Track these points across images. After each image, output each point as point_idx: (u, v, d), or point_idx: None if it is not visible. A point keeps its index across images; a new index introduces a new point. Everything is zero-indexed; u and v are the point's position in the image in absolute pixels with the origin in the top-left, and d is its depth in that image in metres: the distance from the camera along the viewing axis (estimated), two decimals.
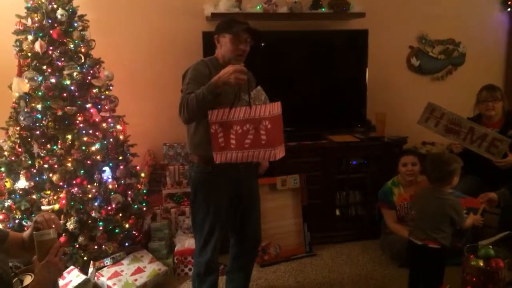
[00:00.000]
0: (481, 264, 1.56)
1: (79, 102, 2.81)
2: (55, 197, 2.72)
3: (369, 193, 3.52)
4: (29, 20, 2.79)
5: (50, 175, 2.71)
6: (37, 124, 2.73)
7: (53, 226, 1.57)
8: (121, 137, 3.05)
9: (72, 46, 2.83)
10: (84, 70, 2.85)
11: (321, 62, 3.59)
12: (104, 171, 2.84)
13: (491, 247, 1.63)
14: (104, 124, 2.91)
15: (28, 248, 1.63)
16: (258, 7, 3.48)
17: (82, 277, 2.55)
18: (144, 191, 3.20)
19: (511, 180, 2.87)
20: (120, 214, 2.90)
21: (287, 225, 3.28)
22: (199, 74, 2.15)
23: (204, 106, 2.02)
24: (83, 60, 2.86)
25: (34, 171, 2.72)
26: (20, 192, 2.71)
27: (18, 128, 2.74)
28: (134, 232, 2.99)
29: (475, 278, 1.56)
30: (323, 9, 3.57)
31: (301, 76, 3.62)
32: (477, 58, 4.04)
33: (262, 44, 3.48)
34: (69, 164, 2.72)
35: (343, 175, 3.53)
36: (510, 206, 2.85)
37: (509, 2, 3.99)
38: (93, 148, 2.79)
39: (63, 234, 2.65)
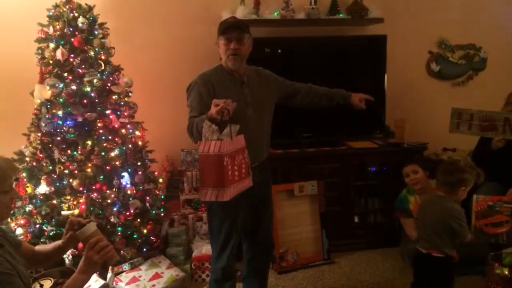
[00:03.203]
0: (506, 272, 1.51)
1: (99, 109, 2.85)
2: (75, 202, 2.76)
3: (388, 200, 3.46)
4: (51, 28, 2.86)
5: (70, 180, 2.74)
6: (58, 130, 2.78)
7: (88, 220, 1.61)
8: (139, 143, 3.08)
9: (92, 53, 2.88)
10: (104, 77, 2.90)
11: (340, 67, 3.57)
12: (123, 176, 2.86)
13: None
14: (123, 130, 2.94)
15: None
16: (275, 14, 3.48)
17: (101, 282, 2.57)
18: (162, 197, 3.21)
19: None
20: (138, 220, 2.92)
21: (305, 231, 3.26)
22: (198, 96, 2.14)
23: None
24: (103, 67, 2.91)
25: (55, 176, 2.76)
26: (41, 197, 2.75)
27: (39, 134, 2.79)
28: (152, 238, 3.00)
29: (499, 287, 1.50)
30: (340, 15, 3.55)
31: (319, 82, 3.57)
32: (498, 63, 3.96)
33: (279, 51, 3.50)
34: (88, 170, 2.75)
35: (361, 182, 3.49)
36: None
37: None
38: (112, 154, 2.82)
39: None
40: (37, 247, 1.74)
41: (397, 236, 3.35)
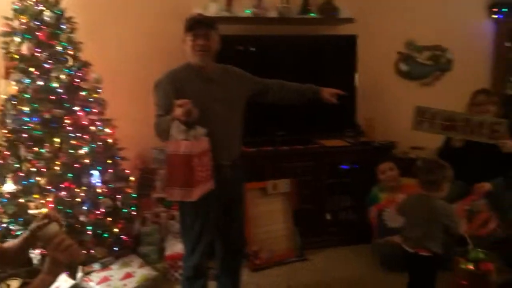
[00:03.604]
0: (471, 267, 1.56)
1: (67, 105, 2.78)
2: (42, 201, 2.67)
3: (359, 198, 3.52)
4: (16, 22, 2.75)
5: (38, 178, 2.66)
6: (24, 127, 2.69)
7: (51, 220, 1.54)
8: (110, 140, 3.01)
9: (60, 48, 2.80)
10: (72, 72, 2.82)
11: (311, 66, 3.60)
12: (93, 174, 2.80)
13: (480, 250, 1.63)
14: (92, 127, 2.87)
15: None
16: (247, 11, 3.48)
17: (71, 282, 2.51)
18: (134, 195, 3.16)
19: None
20: (109, 219, 2.86)
21: (278, 229, 3.27)
22: (164, 95, 2.13)
23: None
24: (71, 63, 2.83)
25: (22, 174, 2.67)
26: (8, 195, 2.66)
27: (5, 131, 2.70)
28: (123, 237, 2.95)
29: (465, 282, 1.56)
30: (312, 14, 3.58)
31: (290, 80, 3.61)
32: (464, 64, 4.08)
33: (252, 49, 3.51)
34: (57, 168, 2.68)
35: (334, 180, 3.53)
36: (498, 194, 2.87)
37: (495, 9, 4.05)
38: (82, 152, 2.75)
39: None
40: (5, 244, 1.67)
41: (369, 233, 3.42)
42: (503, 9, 3.94)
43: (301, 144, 3.45)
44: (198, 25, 2.13)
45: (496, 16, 4.02)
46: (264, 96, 2.48)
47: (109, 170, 2.92)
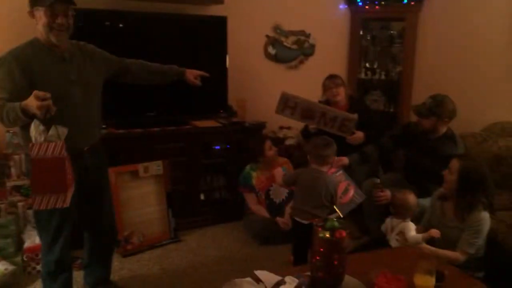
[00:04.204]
0: (328, 235, 1.73)
1: None
2: None
3: (232, 177, 3.63)
4: None
5: None
6: None
7: None
8: None
9: None
10: None
11: (182, 46, 3.55)
12: None
13: (335, 219, 1.81)
14: None
15: None
16: None
17: None
18: None
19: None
20: None
21: (150, 212, 3.22)
22: (8, 75, 1.88)
23: (24, 122, 1.81)
24: None
25: None
26: None
27: None
28: None
29: (322, 249, 1.72)
30: None
31: (161, 60, 3.52)
32: (324, 49, 4.41)
33: (120, 25, 3.32)
34: None
35: (207, 160, 3.58)
36: (353, 168, 3.22)
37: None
38: None
39: None
40: None
41: (241, 210, 3.56)
42: (358, 0, 4.33)
43: (173, 125, 3.41)
44: (58, 2, 1.90)
45: (351, 6, 4.39)
46: (124, 77, 2.37)
47: None
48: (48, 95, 1.71)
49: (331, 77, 3.45)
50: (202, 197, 3.61)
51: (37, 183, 1.73)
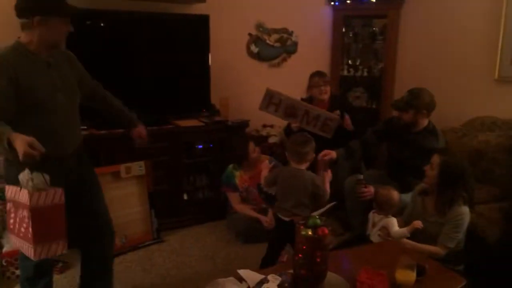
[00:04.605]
0: (310, 233, 1.73)
1: None
2: None
3: (215, 176, 3.61)
4: None
5: None
6: None
7: None
8: None
9: None
10: None
11: (165, 46, 3.52)
12: None
13: (318, 217, 1.81)
14: None
15: None
16: None
17: None
18: None
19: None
20: None
21: (133, 213, 3.19)
22: None
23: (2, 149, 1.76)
24: None
25: None
26: None
27: None
28: None
29: (305, 246, 1.72)
30: None
31: (144, 59, 3.50)
32: (307, 47, 4.42)
33: (102, 24, 3.27)
34: None
35: (190, 160, 3.56)
36: (335, 181, 3.23)
37: None
38: None
39: None
40: None
41: (224, 209, 3.54)
42: None
43: (155, 125, 3.37)
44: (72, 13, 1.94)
45: (333, 4, 4.41)
46: (86, 99, 2.24)
47: None
48: (42, 149, 1.68)
49: (321, 75, 3.46)
50: (185, 197, 3.58)
51: (38, 233, 1.67)
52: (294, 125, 3.29)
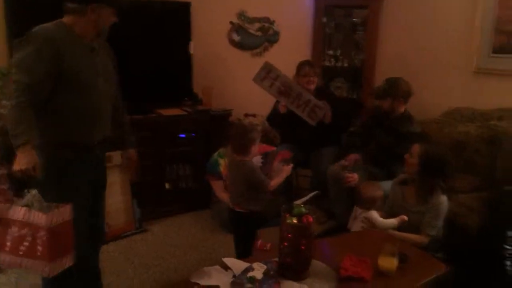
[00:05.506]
0: (295, 221, 1.76)
1: None
2: None
3: (198, 165, 3.60)
4: None
5: None
6: None
7: None
8: None
9: None
10: None
11: (146, 34, 3.47)
12: None
13: (303, 205, 1.84)
14: None
15: None
16: None
17: None
18: None
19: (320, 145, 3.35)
20: None
21: (115, 203, 3.16)
22: (37, 56, 1.72)
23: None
24: None
25: None
26: None
27: None
28: None
29: (290, 234, 1.75)
30: None
31: (125, 48, 3.41)
32: (288, 37, 4.40)
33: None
34: None
35: (173, 149, 3.53)
36: (319, 170, 3.28)
37: None
38: None
39: None
40: None
41: (208, 199, 3.54)
42: None
43: (137, 114, 3.33)
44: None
45: None
46: None
47: None
48: (39, 176, 1.69)
49: (311, 65, 3.48)
50: (167, 186, 3.56)
51: (53, 251, 1.67)
52: (282, 105, 3.29)
